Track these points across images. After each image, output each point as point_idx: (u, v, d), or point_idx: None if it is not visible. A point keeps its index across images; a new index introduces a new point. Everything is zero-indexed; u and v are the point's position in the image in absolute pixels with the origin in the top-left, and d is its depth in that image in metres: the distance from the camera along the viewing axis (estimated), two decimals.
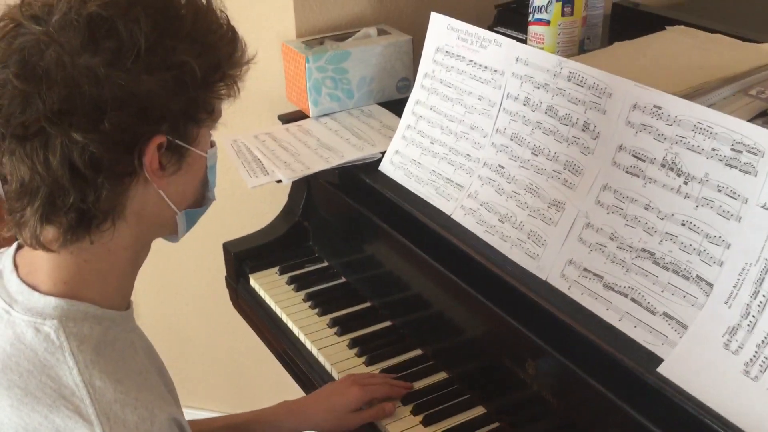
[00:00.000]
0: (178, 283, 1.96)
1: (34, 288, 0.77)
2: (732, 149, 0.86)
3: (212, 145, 0.85)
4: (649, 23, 1.49)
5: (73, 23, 0.70)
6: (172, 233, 0.86)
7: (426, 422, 1.12)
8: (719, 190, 0.87)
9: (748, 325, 0.82)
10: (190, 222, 0.87)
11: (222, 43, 0.79)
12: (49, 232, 0.75)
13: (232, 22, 0.82)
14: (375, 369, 1.23)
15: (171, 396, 0.85)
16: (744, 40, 1.35)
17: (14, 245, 0.84)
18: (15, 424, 0.72)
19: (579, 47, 1.42)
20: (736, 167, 0.85)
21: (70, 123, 0.70)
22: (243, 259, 1.48)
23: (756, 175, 0.83)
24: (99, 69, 0.70)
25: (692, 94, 1.15)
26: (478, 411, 1.14)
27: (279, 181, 1.31)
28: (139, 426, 0.73)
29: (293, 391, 1.40)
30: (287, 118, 1.50)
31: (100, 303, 0.78)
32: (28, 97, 0.70)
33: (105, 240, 0.77)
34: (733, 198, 0.85)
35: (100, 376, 0.74)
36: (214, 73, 0.77)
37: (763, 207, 0.83)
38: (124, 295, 0.83)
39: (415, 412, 1.14)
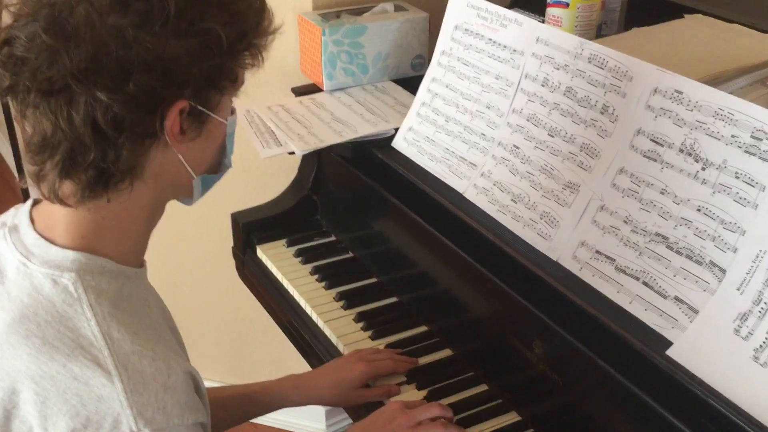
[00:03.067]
0: (184, 252, 1.96)
1: (51, 242, 0.78)
2: (752, 137, 0.86)
3: (232, 112, 0.86)
4: (667, 11, 1.48)
5: None
6: (187, 196, 0.87)
7: (429, 398, 1.13)
8: (737, 177, 0.87)
9: (760, 311, 0.83)
10: (206, 187, 0.88)
11: (250, 12, 0.79)
12: (68, 187, 0.76)
13: None
14: (380, 343, 1.24)
15: (183, 353, 0.85)
16: (761, 31, 1.35)
17: (29, 201, 0.84)
18: (33, 372, 0.73)
19: (596, 31, 1.42)
20: (755, 155, 0.86)
21: (96, 82, 0.70)
22: (251, 230, 1.49)
23: None
24: (127, 30, 0.70)
25: (709, 83, 1.14)
26: (482, 388, 1.14)
27: (292, 153, 1.31)
28: (156, 377, 0.74)
29: (295, 361, 1.41)
30: (300, 91, 1.50)
31: (115, 259, 0.79)
32: (55, 53, 0.70)
33: (122, 199, 0.78)
34: (751, 185, 0.86)
35: (118, 328, 0.75)
36: (240, 41, 0.78)
37: None
38: (139, 253, 0.84)
39: (419, 387, 1.15)
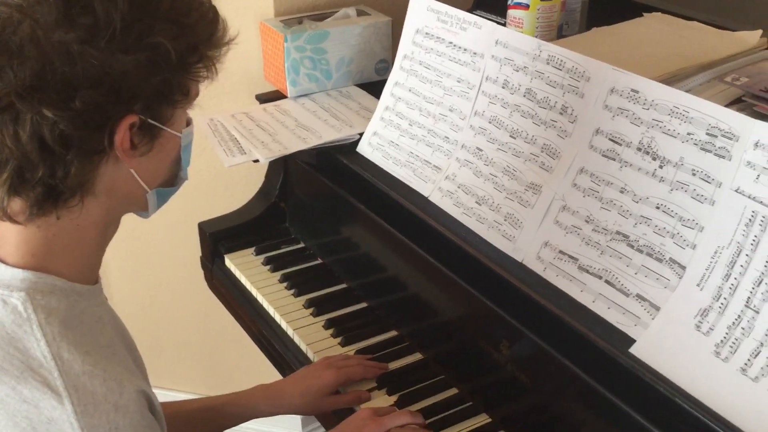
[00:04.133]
0: (153, 264, 1.94)
1: (2, 261, 0.77)
2: (707, 134, 0.87)
3: (188, 123, 0.84)
4: (627, 9, 1.49)
5: None
6: (142, 210, 0.85)
7: (400, 403, 1.13)
8: (694, 174, 0.88)
9: (720, 307, 0.84)
10: (161, 200, 0.86)
11: (201, 24, 0.77)
12: (16, 204, 0.74)
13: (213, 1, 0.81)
14: (350, 350, 1.23)
15: (140, 371, 0.84)
16: (719, 28, 1.36)
17: None
18: None
19: (557, 32, 1.43)
20: (711, 151, 0.86)
21: (41, 99, 0.69)
22: (219, 239, 1.48)
23: (730, 160, 0.85)
24: (72, 46, 0.69)
25: (669, 80, 1.16)
26: (452, 392, 1.14)
27: (256, 161, 1.30)
28: (108, 397, 0.72)
29: (268, 371, 1.40)
30: (265, 98, 1.49)
31: (67, 276, 0.78)
32: (1, 70, 0.68)
33: (73, 216, 0.76)
34: (708, 182, 0.86)
35: (68, 348, 0.73)
36: (191, 54, 0.76)
37: (736, 191, 0.84)
38: (92, 269, 0.83)
39: (389, 392, 1.15)
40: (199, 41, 0.77)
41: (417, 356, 1.21)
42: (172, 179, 0.85)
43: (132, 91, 0.72)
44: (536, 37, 1.38)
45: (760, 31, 1.31)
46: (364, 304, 1.33)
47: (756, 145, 0.83)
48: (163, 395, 2.04)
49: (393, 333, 1.26)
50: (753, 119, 0.84)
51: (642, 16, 1.45)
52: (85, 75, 0.69)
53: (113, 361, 0.77)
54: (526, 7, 1.38)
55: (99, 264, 0.84)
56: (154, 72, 0.73)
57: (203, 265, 1.53)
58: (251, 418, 1.14)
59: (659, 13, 1.45)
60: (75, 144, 0.71)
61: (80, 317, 0.77)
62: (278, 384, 1.16)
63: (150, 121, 0.76)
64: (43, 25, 0.68)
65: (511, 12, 1.41)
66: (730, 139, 0.85)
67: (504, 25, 1.42)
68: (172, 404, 1.09)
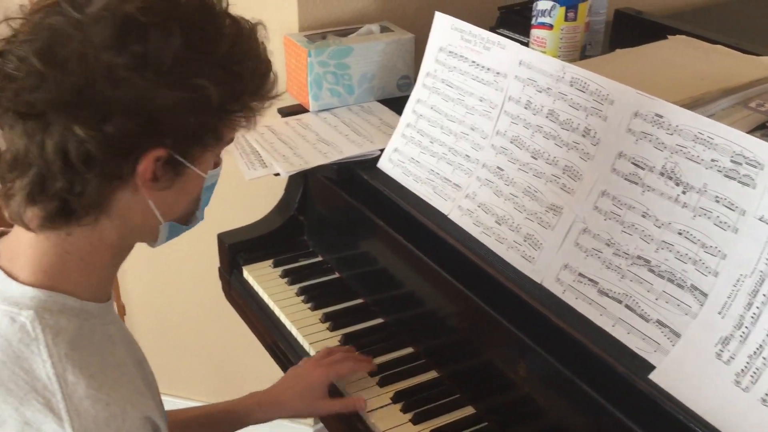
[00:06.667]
0: (171, 273, 1.95)
1: (13, 276, 0.76)
2: (732, 161, 0.86)
3: (216, 165, 0.84)
4: (651, 31, 1.49)
5: (107, 18, 0.70)
6: (152, 239, 0.85)
7: (415, 420, 1.12)
8: (717, 201, 0.87)
9: (741, 335, 0.83)
10: (172, 234, 0.85)
11: (251, 75, 0.78)
12: (31, 212, 0.74)
13: (238, 15, 0.81)
14: None
15: (150, 390, 0.83)
16: (744, 52, 1.36)
17: None
18: None
19: (580, 53, 1.43)
20: (735, 179, 0.86)
21: (75, 116, 0.69)
22: (237, 250, 1.48)
23: (755, 188, 0.84)
24: (119, 70, 0.69)
25: (692, 105, 1.16)
26: (468, 411, 1.14)
27: (277, 174, 1.31)
28: (110, 423, 0.72)
29: None
30: (287, 112, 1.50)
31: (78, 295, 0.78)
32: (43, 79, 0.69)
33: (87, 234, 0.76)
34: (731, 209, 0.86)
35: (74, 371, 0.73)
36: (232, 102, 0.76)
37: (760, 219, 0.83)
38: (104, 288, 0.82)
39: (404, 410, 1.14)
40: (245, 91, 0.77)
41: (432, 374, 1.21)
42: (187, 217, 0.84)
43: (166, 127, 0.73)
44: (559, 57, 1.38)
45: None
46: (380, 320, 1.32)
47: None
48: (176, 403, 2.05)
49: (409, 350, 1.26)
50: None
51: (665, 38, 1.45)
52: (124, 101, 0.70)
53: (120, 383, 0.76)
54: (550, 27, 1.38)
55: (111, 283, 0.84)
56: (192, 113, 0.73)
57: (221, 276, 1.54)
58: (247, 425, 1.14)
59: (684, 36, 1.45)
60: (97, 165, 0.71)
61: (89, 337, 0.77)
62: (272, 390, 1.16)
63: (177, 157, 0.75)
64: (95, 44, 0.69)
65: (534, 32, 1.41)
66: (755, 167, 0.84)
67: (527, 44, 1.42)
68: (170, 413, 1.10)
